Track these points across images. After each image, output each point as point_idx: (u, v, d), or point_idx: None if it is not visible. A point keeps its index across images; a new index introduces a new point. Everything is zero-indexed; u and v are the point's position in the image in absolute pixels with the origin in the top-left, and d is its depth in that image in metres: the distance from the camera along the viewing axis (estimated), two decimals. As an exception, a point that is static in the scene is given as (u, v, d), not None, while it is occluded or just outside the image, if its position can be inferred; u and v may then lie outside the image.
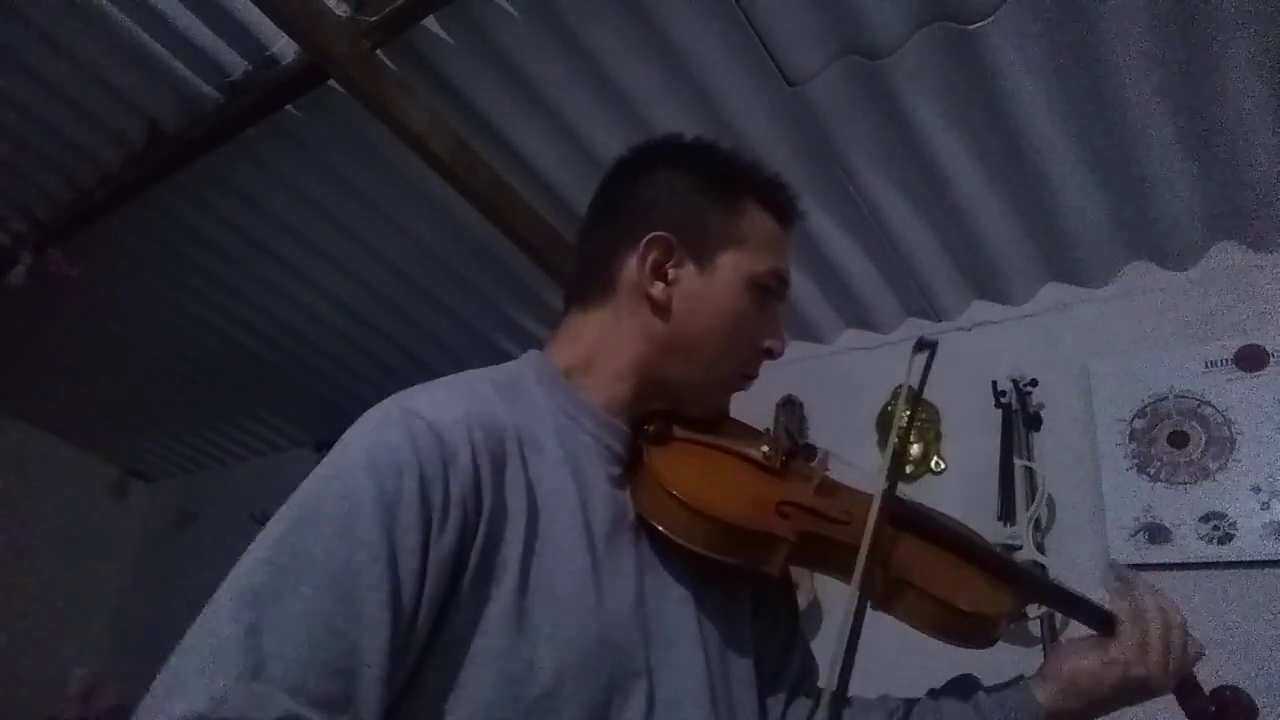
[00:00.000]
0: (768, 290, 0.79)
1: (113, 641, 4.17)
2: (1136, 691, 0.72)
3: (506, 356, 0.82)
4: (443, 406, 0.64)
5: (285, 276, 2.71)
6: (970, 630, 0.74)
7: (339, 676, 0.52)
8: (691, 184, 0.79)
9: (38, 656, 3.84)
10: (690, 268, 0.77)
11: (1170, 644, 0.72)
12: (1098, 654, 0.72)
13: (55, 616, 3.98)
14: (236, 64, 2.03)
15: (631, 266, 0.77)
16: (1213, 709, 0.76)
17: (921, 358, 0.78)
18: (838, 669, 0.59)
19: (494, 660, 0.59)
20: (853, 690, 0.78)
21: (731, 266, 0.77)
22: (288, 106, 2.08)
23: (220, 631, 0.52)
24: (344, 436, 0.62)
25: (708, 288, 0.76)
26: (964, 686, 0.78)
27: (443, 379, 0.71)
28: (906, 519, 0.78)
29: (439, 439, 0.60)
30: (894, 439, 0.84)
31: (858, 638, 0.61)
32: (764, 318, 0.79)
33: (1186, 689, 0.76)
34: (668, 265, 0.76)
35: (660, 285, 0.76)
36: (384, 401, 0.65)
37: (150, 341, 3.30)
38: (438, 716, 0.59)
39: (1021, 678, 0.76)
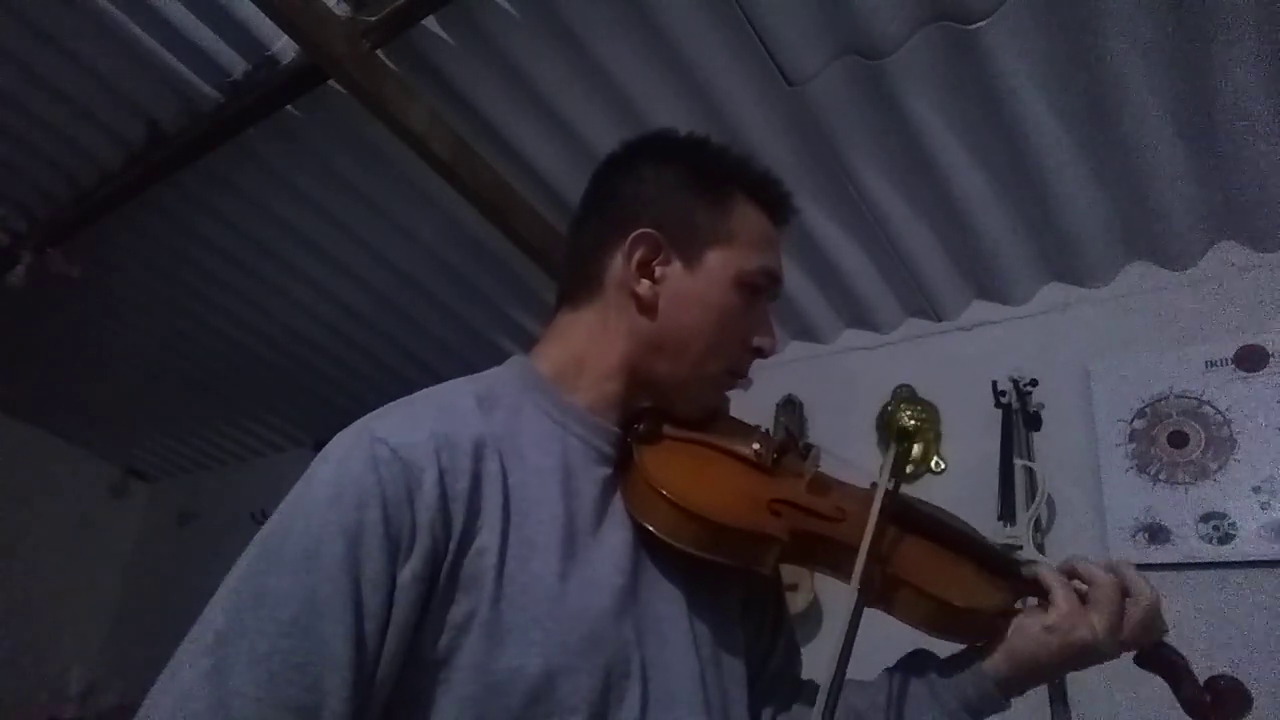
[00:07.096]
0: (757, 288, 0.78)
1: (113, 641, 4.16)
2: (1079, 656, 0.71)
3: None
4: (409, 429, 0.63)
5: (285, 276, 2.71)
6: (965, 626, 0.73)
7: (302, 713, 0.53)
8: (679, 180, 0.78)
9: (38, 656, 3.85)
10: (677, 265, 0.76)
11: (1116, 610, 0.71)
12: (1036, 620, 0.72)
13: (55, 616, 3.98)
14: (236, 64, 2.03)
15: (618, 264, 0.76)
16: (1208, 698, 0.75)
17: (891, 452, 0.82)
18: (834, 666, 0.59)
19: (476, 676, 0.59)
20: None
21: (720, 264, 0.76)
22: (288, 106, 2.08)
23: (184, 677, 0.54)
24: (311, 466, 0.62)
25: (695, 285, 0.75)
26: (919, 665, 0.78)
27: (419, 394, 0.70)
28: (900, 515, 0.77)
29: (404, 465, 0.60)
30: (894, 445, 0.84)
31: (854, 638, 0.61)
32: (754, 316, 0.78)
33: (1175, 674, 0.75)
34: (654, 263, 0.75)
35: (646, 283, 0.75)
36: (352, 426, 0.64)
37: (150, 341, 3.30)
38: None
39: (972, 653, 0.75)
